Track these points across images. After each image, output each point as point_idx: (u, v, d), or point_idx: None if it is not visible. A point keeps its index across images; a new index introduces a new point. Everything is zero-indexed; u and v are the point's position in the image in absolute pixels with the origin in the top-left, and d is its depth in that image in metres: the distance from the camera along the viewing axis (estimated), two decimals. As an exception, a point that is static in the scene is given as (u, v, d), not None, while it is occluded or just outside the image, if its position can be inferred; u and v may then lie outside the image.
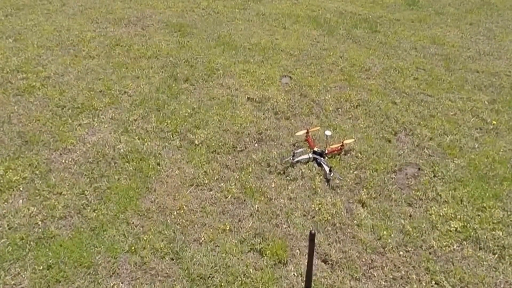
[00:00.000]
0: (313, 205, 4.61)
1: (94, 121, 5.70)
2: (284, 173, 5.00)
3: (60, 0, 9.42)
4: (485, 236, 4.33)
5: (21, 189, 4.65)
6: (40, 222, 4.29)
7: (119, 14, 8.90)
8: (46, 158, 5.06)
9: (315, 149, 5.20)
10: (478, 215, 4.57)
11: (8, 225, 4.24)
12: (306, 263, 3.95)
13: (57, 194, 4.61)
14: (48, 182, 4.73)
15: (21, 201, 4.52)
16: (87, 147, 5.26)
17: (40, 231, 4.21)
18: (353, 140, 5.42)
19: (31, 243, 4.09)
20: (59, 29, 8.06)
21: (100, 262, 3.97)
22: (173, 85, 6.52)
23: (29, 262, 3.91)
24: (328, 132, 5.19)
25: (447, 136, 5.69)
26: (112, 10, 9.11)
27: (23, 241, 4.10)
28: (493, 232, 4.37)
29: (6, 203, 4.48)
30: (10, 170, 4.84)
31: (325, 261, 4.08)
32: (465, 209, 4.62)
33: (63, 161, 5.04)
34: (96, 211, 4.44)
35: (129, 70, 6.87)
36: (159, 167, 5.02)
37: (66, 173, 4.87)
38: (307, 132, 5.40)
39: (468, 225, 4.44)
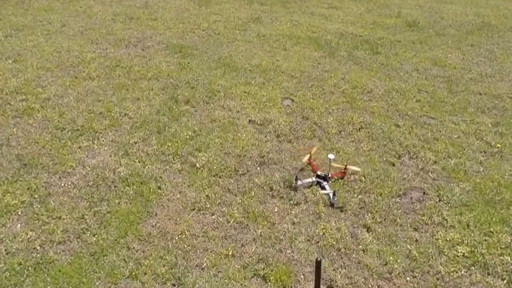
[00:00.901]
0: (317, 230, 4.52)
1: (94, 143, 5.63)
2: (287, 197, 4.93)
3: (60, 21, 9.44)
4: (493, 262, 4.24)
5: (19, 213, 4.56)
6: (38, 247, 4.20)
7: (119, 35, 8.90)
8: (45, 182, 4.98)
9: (319, 172, 5.13)
10: (486, 240, 4.49)
11: (5, 250, 4.14)
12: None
13: (56, 218, 4.52)
14: (47, 206, 4.65)
15: (19, 225, 4.43)
16: (86, 170, 5.18)
17: (38, 256, 4.11)
18: (359, 169, 5.31)
19: (29, 268, 3.98)
20: (59, 50, 8.04)
21: (100, 288, 3.88)
22: (174, 107, 6.47)
23: (27, 289, 3.82)
24: (331, 156, 5.12)
25: (452, 160, 5.63)
26: (112, 31, 9.12)
27: (21, 266, 4.00)
28: (501, 257, 4.29)
29: (4, 227, 4.39)
30: (9, 194, 4.76)
31: (330, 287, 4.00)
32: (472, 234, 4.54)
33: (63, 184, 4.96)
34: (96, 236, 4.34)
35: (130, 92, 6.83)
36: (160, 191, 4.94)
37: (66, 197, 4.79)
38: (310, 156, 5.34)
39: (476, 250, 4.36)
